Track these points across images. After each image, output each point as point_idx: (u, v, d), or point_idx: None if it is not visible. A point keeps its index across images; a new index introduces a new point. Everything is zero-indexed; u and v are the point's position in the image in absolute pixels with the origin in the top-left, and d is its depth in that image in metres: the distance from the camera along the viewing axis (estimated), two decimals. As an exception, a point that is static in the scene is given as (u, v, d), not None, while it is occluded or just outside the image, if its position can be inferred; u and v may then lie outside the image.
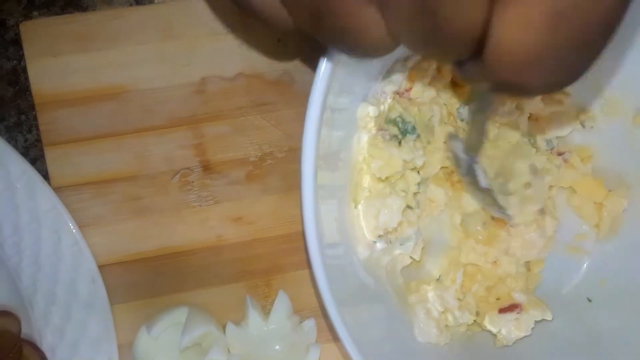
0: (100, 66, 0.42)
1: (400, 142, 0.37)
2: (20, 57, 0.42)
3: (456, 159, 0.38)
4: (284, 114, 0.43)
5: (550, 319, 0.40)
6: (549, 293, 0.41)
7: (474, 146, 0.37)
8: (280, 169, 0.43)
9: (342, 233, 0.36)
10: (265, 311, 0.42)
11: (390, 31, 0.22)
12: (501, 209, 0.39)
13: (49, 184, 0.41)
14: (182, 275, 0.42)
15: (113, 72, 0.42)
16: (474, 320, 0.40)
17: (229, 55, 0.43)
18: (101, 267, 0.41)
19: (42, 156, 0.42)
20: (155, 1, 0.43)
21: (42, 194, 0.40)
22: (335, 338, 0.40)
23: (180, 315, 0.40)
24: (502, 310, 0.40)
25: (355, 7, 0.21)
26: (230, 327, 0.40)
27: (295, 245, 0.43)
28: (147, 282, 0.42)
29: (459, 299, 0.40)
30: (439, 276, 0.41)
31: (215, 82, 0.43)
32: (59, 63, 0.41)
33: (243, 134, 0.43)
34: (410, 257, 0.39)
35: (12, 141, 0.42)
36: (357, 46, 0.23)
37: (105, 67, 0.42)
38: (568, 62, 0.20)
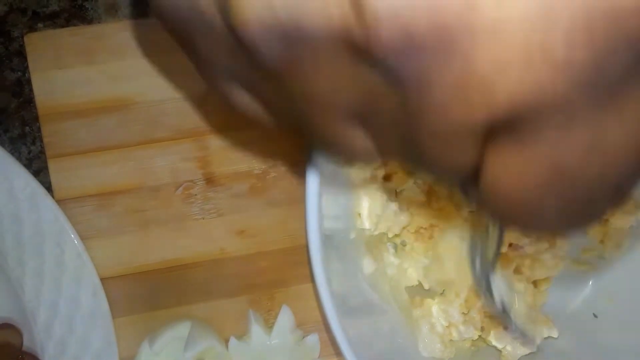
0: (104, 78, 0.42)
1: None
2: (25, 69, 0.42)
3: (475, 275, 0.36)
4: (288, 126, 0.43)
5: (556, 336, 0.39)
6: (555, 309, 0.41)
7: (489, 261, 0.33)
8: (284, 182, 0.43)
9: (347, 246, 0.35)
10: (268, 325, 0.42)
11: (378, 149, 0.20)
12: (520, 333, 0.37)
13: (53, 196, 0.41)
14: (185, 288, 0.42)
15: (117, 85, 0.42)
16: (479, 336, 0.40)
17: (233, 67, 0.42)
18: (103, 280, 0.41)
19: (46, 168, 0.41)
20: (160, 13, 0.43)
21: (45, 206, 0.40)
22: (339, 353, 0.39)
23: (182, 329, 0.39)
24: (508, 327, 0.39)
25: (339, 125, 0.19)
26: (232, 341, 0.40)
27: (299, 259, 0.43)
28: (149, 295, 0.42)
29: (463, 313, 0.40)
30: (443, 290, 0.41)
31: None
32: (64, 75, 0.41)
33: (247, 147, 0.43)
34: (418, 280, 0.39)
35: (15, 153, 0.42)
36: (343, 157, 0.21)
37: (109, 80, 0.42)
38: (568, 216, 0.18)
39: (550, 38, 0.14)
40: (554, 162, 0.16)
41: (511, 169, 0.17)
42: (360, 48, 0.16)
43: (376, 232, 0.37)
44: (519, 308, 0.38)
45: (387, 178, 0.37)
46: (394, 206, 0.37)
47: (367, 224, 0.37)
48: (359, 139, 0.19)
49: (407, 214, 0.37)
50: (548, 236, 0.22)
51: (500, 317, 0.37)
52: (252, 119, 0.23)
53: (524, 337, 0.37)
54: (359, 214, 0.37)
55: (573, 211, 0.17)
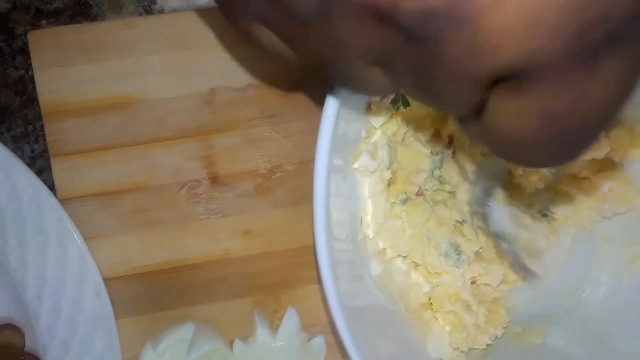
0: (108, 76, 0.41)
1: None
2: (28, 67, 0.41)
3: (475, 200, 0.37)
4: (294, 125, 0.42)
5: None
6: (572, 319, 0.40)
7: (489, 188, 0.35)
8: (290, 181, 0.42)
9: (354, 249, 0.35)
10: (274, 327, 0.41)
11: (392, 84, 0.23)
12: (519, 262, 0.37)
13: (55, 195, 0.40)
14: (189, 289, 0.41)
15: (121, 83, 0.41)
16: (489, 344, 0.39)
17: (238, 65, 0.42)
18: (107, 281, 0.40)
19: (49, 167, 0.41)
20: (165, 11, 0.42)
21: (48, 205, 0.39)
22: (345, 355, 0.39)
23: (186, 331, 0.39)
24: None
25: (360, 65, 0.22)
26: (237, 343, 0.40)
27: (304, 260, 0.42)
28: (153, 296, 0.41)
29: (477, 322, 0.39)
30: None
31: (224, 93, 0.42)
32: (67, 73, 0.41)
33: (252, 146, 0.42)
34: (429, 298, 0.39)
35: (18, 152, 0.41)
36: (361, 91, 0.25)
37: (113, 78, 0.41)
38: (560, 150, 0.22)
39: (544, 10, 0.18)
40: (546, 109, 0.20)
41: (510, 113, 0.20)
42: (386, 15, 0.19)
43: (381, 245, 0.37)
44: (521, 240, 0.38)
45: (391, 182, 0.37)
46: (397, 223, 0.37)
47: (370, 232, 0.36)
48: (377, 77, 0.23)
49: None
50: (539, 168, 0.29)
51: (496, 246, 0.37)
52: (274, 56, 0.26)
53: (524, 268, 0.38)
54: (362, 219, 0.36)
55: (560, 149, 0.21)
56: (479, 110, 0.22)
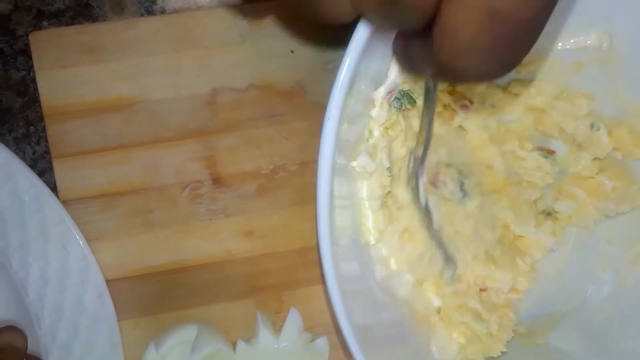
0: (110, 77, 0.41)
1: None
2: (30, 68, 0.41)
3: (408, 172, 0.37)
4: (296, 125, 0.42)
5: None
6: (574, 319, 0.40)
7: (419, 151, 0.35)
8: (292, 182, 0.42)
9: (357, 251, 0.35)
10: (276, 328, 0.41)
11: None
12: (439, 239, 0.37)
13: (57, 196, 0.40)
14: (191, 290, 0.41)
15: (123, 83, 0.41)
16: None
17: (240, 66, 0.42)
18: (109, 282, 0.40)
19: (51, 168, 0.41)
20: (167, 12, 0.42)
21: (50, 207, 0.39)
22: (349, 356, 0.39)
23: (189, 332, 0.39)
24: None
25: None
26: (240, 344, 0.40)
27: (307, 260, 0.42)
28: (155, 298, 0.41)
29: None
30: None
31: (226, 93, 0.42)
32: (69, 74, 0.41)
33: (254, 146, 0.42)
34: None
35: (20, 153, 0.41)
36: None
37: (115, 78, 0.41)
38: (499, 54, 0.23)
39: None
40: (488, 7, 0.21)
41: (459, 13, 0.22)
42: None
43: (384, 252, 0.37)
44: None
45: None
46: (399, 229, 0.37)
47: (371, 239, 0.36)
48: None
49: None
50: (484, 79, 0.28)
51: (423, 216, 0.37)
52: None
53: (441, 246, 0.38)
54: (363, 224, 0.36)
55: (501, 48, 0.23)
56: (430, 22, 0.23)
